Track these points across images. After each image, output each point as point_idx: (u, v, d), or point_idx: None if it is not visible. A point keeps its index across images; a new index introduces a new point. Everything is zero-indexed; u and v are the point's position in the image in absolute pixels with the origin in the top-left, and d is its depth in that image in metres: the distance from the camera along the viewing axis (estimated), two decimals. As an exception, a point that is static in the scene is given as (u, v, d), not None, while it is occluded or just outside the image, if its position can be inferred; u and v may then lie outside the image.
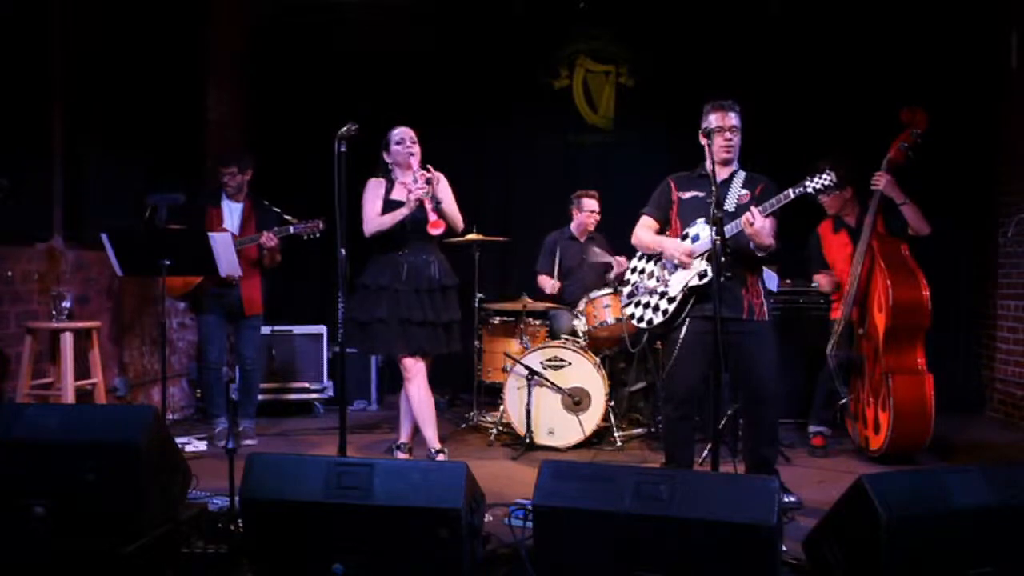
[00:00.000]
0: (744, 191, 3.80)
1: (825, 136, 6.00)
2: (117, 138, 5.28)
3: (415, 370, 4.31)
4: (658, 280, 3.90)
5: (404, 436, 4.46)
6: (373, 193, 4.37)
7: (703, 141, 3.77)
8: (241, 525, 2.96)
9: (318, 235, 4.89)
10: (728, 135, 3.76)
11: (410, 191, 4.17)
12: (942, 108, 6.16)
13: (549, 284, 5.85)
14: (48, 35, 4.75)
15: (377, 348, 4.42)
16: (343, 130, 3.58)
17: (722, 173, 3.81)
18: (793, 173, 3.65)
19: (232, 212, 5.17)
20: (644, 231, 4.02)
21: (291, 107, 6.75)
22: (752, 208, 3.58)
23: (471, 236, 5.57)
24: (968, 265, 6.30)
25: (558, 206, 6.07)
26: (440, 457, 4.28)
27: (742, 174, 3.86)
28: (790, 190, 3.57)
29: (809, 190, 3.55)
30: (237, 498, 2.85)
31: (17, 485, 2.81)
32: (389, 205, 4.31)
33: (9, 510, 2.80)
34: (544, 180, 6.81)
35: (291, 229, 4.89)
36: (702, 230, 3.76)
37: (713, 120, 3.76)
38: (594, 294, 5.29)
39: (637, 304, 3.99)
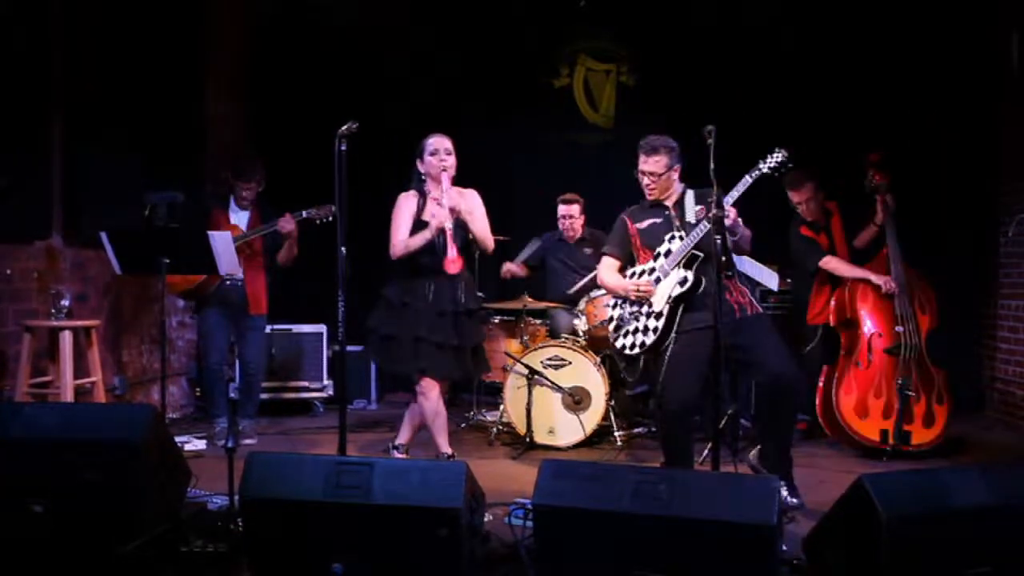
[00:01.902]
0: (699, 206, 3.85)
1: (824, 135, 6.00)
2: (116, 137, 5.27)
3: (428, 387, 4.19)
4: (639, 304, 3.90)
5: (403, 439, 4.45)
6: (404, 211, 4.19)
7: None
8: (240, 524, 2.95)
9: (330, 219, 4.82)
10: (647, 180, 3.90)
11: (433, 214, 4.07)
12: (943, 108, 6.19)
13: (511, 268, 5.90)
14: (47, 34, 4.75)
15: (395, 366, 4.29)
16: (343, 128, 3.57)
17: (669, 200, 3.93)
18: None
19: (240, 218, 5.18)
20: (608, 274, 4.09)
21: (291, 106, 6.74)
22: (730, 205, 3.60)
23: (471, 235, 5.55)
24: (969, 265, 6.30)
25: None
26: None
27: (690, 192, 3.93)
28: (747, 176, 3.63)
29: (765, 170, 3.61)
30: (236, 497, 2.85)
31: (16, 484, 2.81)
32: (420, 225, 4.14)
33: (8, 509, 2.80)
34: (545, 179, 6.79)
35: (304, 214, 4.87)
36: (673, 244, 3.81)
37: (639, 162, 3.91)
38: (594, 293, 5.28)
39: (626, 334, 3.96)
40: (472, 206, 4.21)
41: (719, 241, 3.29)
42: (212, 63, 6.43)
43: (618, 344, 4.01)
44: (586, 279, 5.56)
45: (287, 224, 4.90)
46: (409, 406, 4.42)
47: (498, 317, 5.74)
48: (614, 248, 4.08)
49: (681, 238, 3.79)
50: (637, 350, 3.91)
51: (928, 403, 4.78)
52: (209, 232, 4.48)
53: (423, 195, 4.20)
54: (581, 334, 5.31)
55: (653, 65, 6.88)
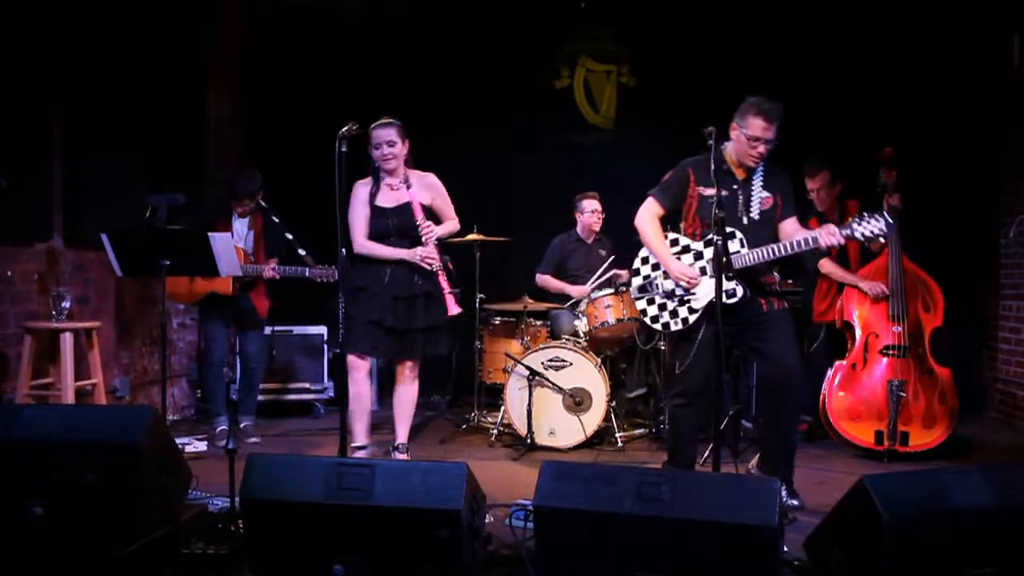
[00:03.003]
0: (766, 194, 3.75)
1: (825, 135, 6.00)
2: (117, 138, 5.28)
3: (357, 366, 4.32)
4: (677, 284, 3.79)
5: (402, 437, 4.47)
6: (358, 200, 4.34)
7: (734, 133, 3.71)
8: (241, 526, 2.95)
9: (333, 280, 4.77)
10: (763, 148, 3.65)
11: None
12: (943, 108, 6.18)
13: (554, 284, 5.84)
14: (48, 35, 4.75)
15: (344, 344, 4.42)
16: (344, 130, 3.57)
17: (742, 172, 3.76)
18: (794, 172, 3.65)
19: (243, 226, 5.18)
20: (650, 221, 3.83)
21: (291, 107, 6.74)
22: (832, 229, 3.55)
23: (472, 236, 5.57)
24: (969, 265, 6.29)
25: (559, 206, 6.06)
26: (359, 453, 4.26)
27: (761, 171, 3.76)
28: (839, 232, 3.55)
29: (857, 235, 3.52)
30: (237, 499, 2.85)
31: (16, 485, 2.81)
32: (376, 212, 4.30)
33: (8, 510, 2.79)
34: (545, 180, 6.81)
35: (307, 272, 4.83)
36: (731, 243, 3.62)
37: (755, 127, 3.62)
38: (595, 294, 5.28)
39: (651, 302, 3.87)
40: (435, 194, 4.39)
41: (719, 242, 3.29)
42: (213, 63, 6.43)
43: (639, 305, 3.92)
44: (597, 276, 5.57)
45: (270, 273, 4.92)
46: (394, 400, 4.51)
47: (499, 318, 5.74)
48: (665, 197, 3.83)
49: (743, 242, 3.65)
50: (659, 327, 3.88)
51: (928, 404, 4.75)
52: (209, 234, 4.48)
53: (377, 183, 4.36)
54: (582, 335, 5.30)
55: (654, 65, 6.88)
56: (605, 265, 5.63)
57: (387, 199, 4.33)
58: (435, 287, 4.32)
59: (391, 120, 4.30)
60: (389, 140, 4.26)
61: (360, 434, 4.36)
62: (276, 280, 5.05)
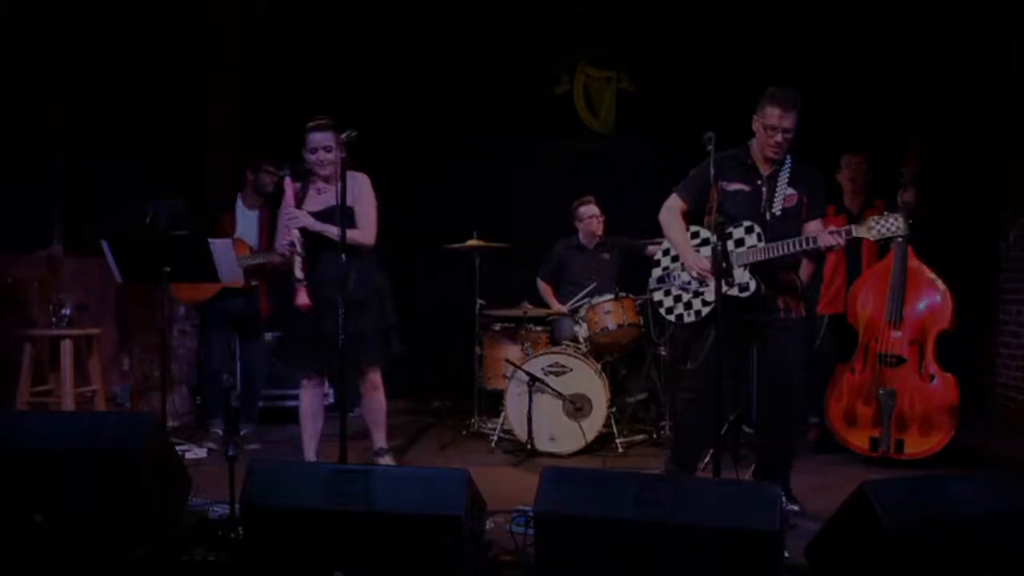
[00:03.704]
0: (791, 191, 3.70)
1: (825, 139, 5.99)
2: (117, 144, 5.29)
3: (309, 383, 4.29)
4: (692, 277, 3.80)
5: (381, 442, 4.46)
6: (283, 206, 4.20)
7: (755, 127, 3.69)
8: (241, 533, 2.95)
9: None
10: (780, 138, 3.61)
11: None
12: (943, 113, 6.19)
13: (545, 294, 5.88)
14: (47, 41, 4.76)
15: (287, 363, 4.37)
16: (343, 136, 3.58)
17: (767, 167, 3.73)
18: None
19: (247, 219, 5.19)
20: (673, 217, 3.85)
21: (290, 111, 6.73)
22: (835, 229, 3.51)
23: (471, 242, 5.57)
24: (970, 270, 6.28)
25: (559, 212, 6.06)
26: None
27: (788, 166, 3.72)
28: (853, 229, 3.51)
29: (873, 235, 3.48)
30: (238, 505, 2.84)
31: (16, 493, 2.81)
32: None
33: (8, 518, 2.79)
34: (545, 186, 6.80)
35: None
36: (749, 238, 3.64)
37: (770, 116, 3.60)
38: (595, 300, 5.28)
39: (667, 293, 3.88)
40: (356, 195, 4.12)
41: (720, 247, 3.28)
42: (212, 67, 6.44)
43: (655, 297, 3.94)
44: (585, 291, 5.56)
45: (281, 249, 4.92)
46: (363, 412, 4.49)
47: (499, 324, 5.74)
48: (688, 193, 3.81)
49: (760, 236, 3.62)
50: (672, 318, 3.87)
51: (926, 411, 4.67)
52: (210, 240, 4.48)
53: (305, 184, 4.22)
54: (582, 341, 5.30)
55: (654, 71, 6.89)
56: (588, 288, 5.60)
57: (313, 203, 4.17)
58: (368, 293, 4.16)
59: (328, 122, 4.08)
60: (326, 145, 4.07)
61: (309, 451, 4.32)
62: (282, 274, 5.08)
